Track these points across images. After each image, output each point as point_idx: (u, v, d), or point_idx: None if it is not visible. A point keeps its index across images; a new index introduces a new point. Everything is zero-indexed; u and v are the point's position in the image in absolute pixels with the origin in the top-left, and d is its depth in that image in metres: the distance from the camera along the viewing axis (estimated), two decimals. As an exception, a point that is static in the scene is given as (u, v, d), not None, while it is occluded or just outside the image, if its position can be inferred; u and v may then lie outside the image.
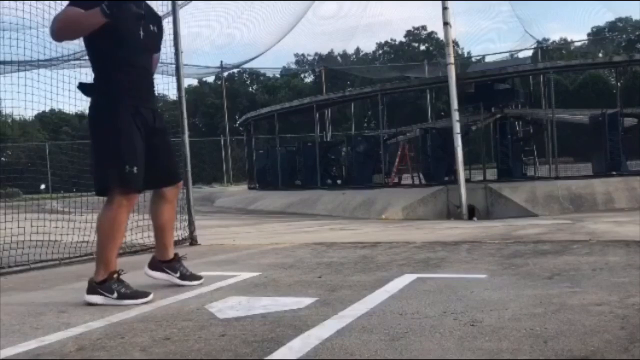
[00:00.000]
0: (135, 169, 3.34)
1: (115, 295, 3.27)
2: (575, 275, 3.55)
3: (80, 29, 3.34)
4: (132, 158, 3.35)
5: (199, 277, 3.81)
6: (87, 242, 5.53)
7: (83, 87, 3.54)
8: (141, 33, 3.48)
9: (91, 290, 3.31)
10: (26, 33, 5.59)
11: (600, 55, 34.36)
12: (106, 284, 3.29)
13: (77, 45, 3.76)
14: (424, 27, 52.79)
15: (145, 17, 3.46)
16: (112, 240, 3.35)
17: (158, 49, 3.80)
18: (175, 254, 3.80)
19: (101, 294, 3.28)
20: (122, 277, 3.36)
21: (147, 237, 5.90)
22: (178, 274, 3.74)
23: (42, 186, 19.88)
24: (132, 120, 3.40)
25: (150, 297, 3.31)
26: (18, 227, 5.33)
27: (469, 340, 2.28)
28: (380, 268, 4.13)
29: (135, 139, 3.40)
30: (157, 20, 3.76)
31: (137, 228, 5.81)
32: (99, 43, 3.41)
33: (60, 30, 3.34)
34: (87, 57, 3.63)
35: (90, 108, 3.47)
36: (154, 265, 3.77)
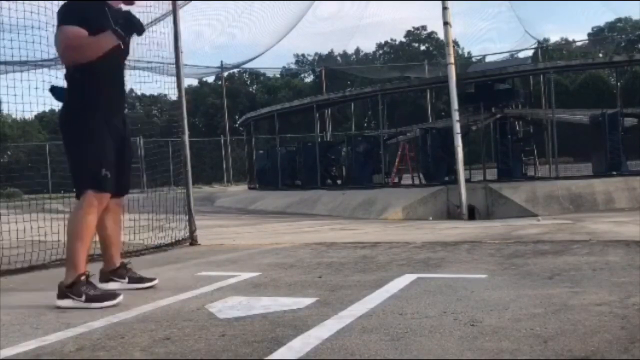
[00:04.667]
0: (109, 173, 3.42)
1: (84, 298, 3.23)
2: (575, 275, 3.55)
3: (93, 54, 3.37)
4: (108, 163, 3.43)
5: (150, 279, 3.79)
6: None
7: (55, 91, 3.56)
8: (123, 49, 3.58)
9: (61, 294, 3.29)
10: (26, 33, 5.59)
11: (600, 55, 34.37)
12: (74, 287, 3.27)
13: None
14: (424, 27, 52.86)
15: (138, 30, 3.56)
16: (82, 241, 3.34)
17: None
18: (121, 262, 3.82)
19: (70, 298, 3.25)
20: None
21: (149, 238, 5.91)
22: (126, 279, 3.75)
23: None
24: (106, 127, 3.48)
25: (119, 299, 3.28)
26: (17, 227, 5.33)
27: (469, 340, 2.28)
28: (381, 268, 4.13)
29: (109, 145, 3.48)
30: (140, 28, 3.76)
31: (141, 227, 5.83)
32: None
33: (72, 56, 3.40)
34: None
35: (66, 114, 3.51)
36: (103, 277, 3.77)
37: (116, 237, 3.81)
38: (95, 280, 3.49)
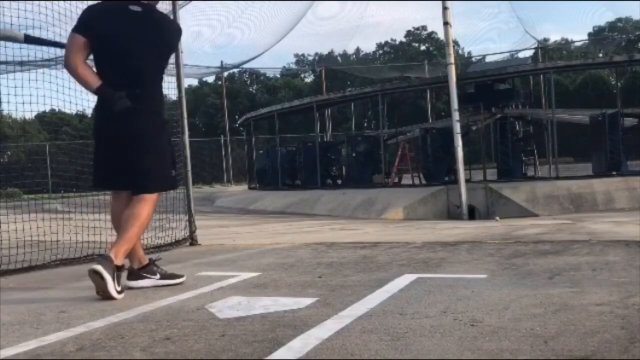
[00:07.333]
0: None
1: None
2: (575, 275, 3.55)
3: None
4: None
5: (179, 276, 3.86)
6: (87, 242, 5.53)
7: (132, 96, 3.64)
8: None
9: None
10: (26, 33, 5.58)
11: (600, 55, 34.36)
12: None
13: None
14: (424, 27, 52.84)
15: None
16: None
17: None
18: (149, 258, 3.85)
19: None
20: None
21: (149, 238, 5.90)
22: (158, 276, 3.77)
23: None
24: None
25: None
26: (16, 227, 5.33)
27: (469, 340, 2.28)
28: (381, 268, 4.13)
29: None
30: None
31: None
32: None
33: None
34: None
35: (147, 120, 3.68)
36: (134, 275, 3.74)
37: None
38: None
